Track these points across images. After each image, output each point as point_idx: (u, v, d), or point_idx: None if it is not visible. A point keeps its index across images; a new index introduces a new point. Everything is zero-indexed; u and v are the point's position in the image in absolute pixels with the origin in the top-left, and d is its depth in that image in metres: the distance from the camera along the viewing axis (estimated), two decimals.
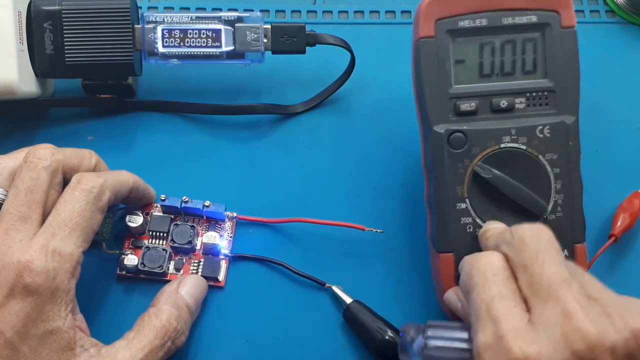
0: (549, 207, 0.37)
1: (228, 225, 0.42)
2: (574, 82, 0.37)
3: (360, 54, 0.45)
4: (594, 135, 0.44)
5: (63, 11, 0.42)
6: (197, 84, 0.47)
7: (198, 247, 0.41)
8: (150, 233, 0.41)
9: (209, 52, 0.43)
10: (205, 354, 0.39)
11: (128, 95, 0.46)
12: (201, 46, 0.43)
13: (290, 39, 0.43)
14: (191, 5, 0.50)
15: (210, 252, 0.41)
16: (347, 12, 0.50)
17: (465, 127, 0.37)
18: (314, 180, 0.44)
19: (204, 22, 0.43)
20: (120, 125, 0.46)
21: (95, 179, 0.35)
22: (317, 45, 0.44)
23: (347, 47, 0.45)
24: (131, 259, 0.40)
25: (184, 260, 0.41)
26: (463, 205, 0.37)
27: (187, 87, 0.47)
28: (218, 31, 0.43)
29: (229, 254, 0.41)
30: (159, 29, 0.42)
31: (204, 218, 0.42)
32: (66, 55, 0.42)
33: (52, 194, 0.35)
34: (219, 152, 0.45)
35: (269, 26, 0.43)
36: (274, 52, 0.44)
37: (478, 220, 0.37)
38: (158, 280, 0.40)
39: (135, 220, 0.41)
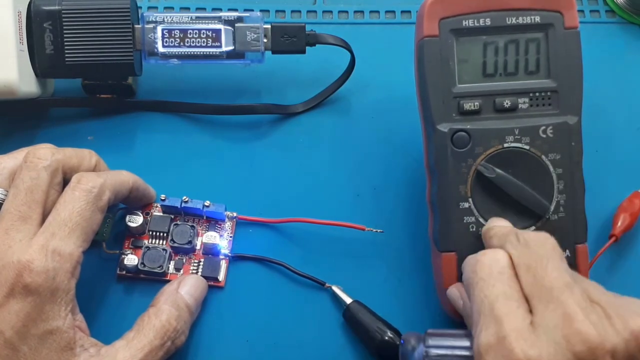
0: (552, 207, 0.37)
1: (228, 225, 0.42)
2: (577, 83, 0.37)
3: (360, 54, 0.45)
4: (594, 135, 0.44)
5: (63, 11, 0.42)
6: (197, 84, 0.47)
7: (198, 247, 0.41)
8: (150, 233, 0.41)
9: (209, 52, 0.43)
10: (205, 354, 0.39)
11: (128, 95, 0.46)
12: (201, 46, 0.43)
13: (290, 39, 0.43)
14: (191, 5, 0.50)
15: (210, 252, 0.41)
16: (347, 12, 0.50)
17: (468, 127, 0.37)
18: (314, 180, 0.44)
19: (204, 22, 0.43)
20: (120, 125, 0.46)
21: (95, 179, 0.35)
22: (317, 45, 0.44)
23: (347, 47, 0.45)
24: (131, 259, 0.40)
25: (184, 260, 0.41)
26: (466, 205, 0.37)
27: (187, 87, 0.47)
28: (218, 31, 0.43)
29: (229, 254, 0.41)
30: (159, 29, 0.42)
31: (204, 218, 0.42)
32: (66, 55, 0.42)
33: (52, 194, 0.35)
34: (219, 152, 0.45)
35: (269, 26, 0.43)
36: (274, 52, 0.44)
37: (481, 220, 0.37)
38: (158, 280, 0.40)
39: (135, 220, 0.41)
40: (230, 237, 0.42)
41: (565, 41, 0.37)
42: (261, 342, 0.40)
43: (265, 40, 0.43)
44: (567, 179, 0.37)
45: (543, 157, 0.37)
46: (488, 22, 0.37)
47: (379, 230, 0.42)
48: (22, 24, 0.41)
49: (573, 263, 0.37)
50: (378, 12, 0.51)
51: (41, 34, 0.42)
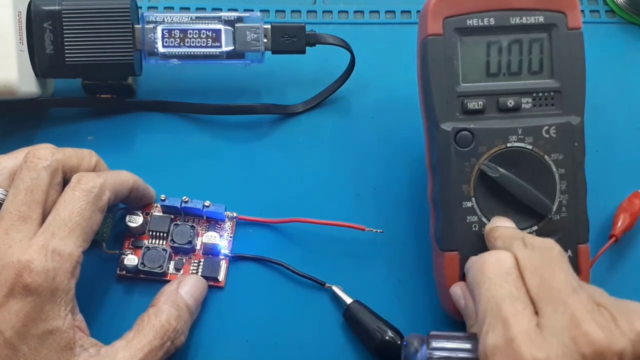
0: (554, 207, 0.37)
1: (228, 225, 0.42)
2: (580, 84, 0.37)
3: (360, 54, 0.45)
4: (594, 135, 0.44)
5: (63, 11, 0.42)
6: (197, 84, 0.47)
7: (198, 247, 0.41)
8: (150, 233, 0.41)
9: (209, 52, 0.43)
10: (205, 354, 0.39)
11: (128, 95, 0.46)
12: (201, 46, 0.43)
13: (290, 39, 0.43)
14: (191, 5, 0.50)
15: (210, 252, 0.41)
16: (347, 12, 0.50)
17: (472, 126, 0.37)
18: (314, 180, 0.44)
19: (204, 22, 0.43)
20: (120, 125, 0.46)
21: (95, 179, 0.35)
22: (317, 45, 0.44)
23: (347, 47, 0.45)
24: (131, 259, 0.40)
25: (184, 260, 0.41)
26: (469, 204, 0.37)
27: (187, 87, 0.47)
28: (218, 31, 0.43)
29: (229, 254, 0.41)
30: (159, 29, 0.42)
31: (204, 218, 0.42)
32: (66, 55, 0.42)
33: (52, 194, 0.35)
34: (219, 152, 0.45)
35: (269, 26, 0.43)
36: (274, 52, 0.44)
37: (484, 219, 0.37)
38: (158, 280, 0.40)
39: (135, 220, 0.40)
40: (230, 237, 0.42)
41: (569, 41, 0.37)
42: (261, 342, 0.40)
43: (265, 40, 0.43)
44: (569, 179, 0.37)
45: (546, 157, 0.37)
46: (492, 21, 0.37)
47: (379, 231, 0.41)
48: (22, 24, 0.41)
49: (575, 263, 0.37)
50: (378, 12, 0.51)
51: (41, 34, 0.42)
